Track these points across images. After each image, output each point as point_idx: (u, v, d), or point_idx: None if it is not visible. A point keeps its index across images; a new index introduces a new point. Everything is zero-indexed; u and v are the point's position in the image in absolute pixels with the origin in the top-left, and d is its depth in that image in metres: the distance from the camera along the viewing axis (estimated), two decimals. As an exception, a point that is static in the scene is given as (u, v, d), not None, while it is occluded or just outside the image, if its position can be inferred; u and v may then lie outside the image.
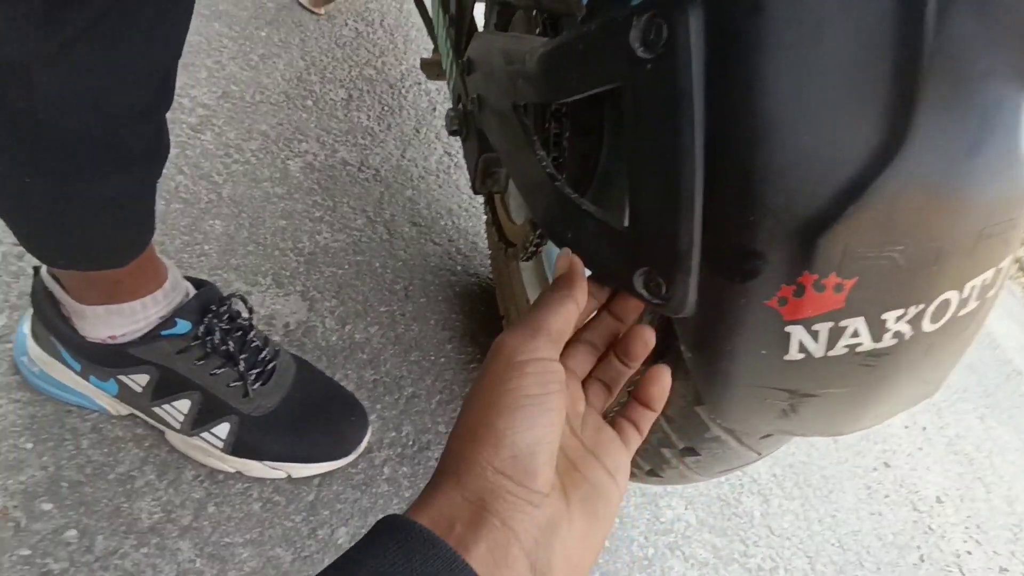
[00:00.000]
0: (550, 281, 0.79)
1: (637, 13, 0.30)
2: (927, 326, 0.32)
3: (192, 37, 1.07)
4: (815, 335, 0.32)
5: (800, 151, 0.27)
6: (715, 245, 0.30)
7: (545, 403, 0.28)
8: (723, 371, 0.34)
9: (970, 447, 1.35)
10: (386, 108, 1.21)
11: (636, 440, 0.35)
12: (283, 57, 1.17)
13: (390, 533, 0.25)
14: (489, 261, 0.98)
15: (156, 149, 0.43)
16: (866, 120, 0.27)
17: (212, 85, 1.01)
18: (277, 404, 0.57)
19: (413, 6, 1.12)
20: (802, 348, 0.32)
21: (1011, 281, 2.34)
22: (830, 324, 0.31)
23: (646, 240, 0.33)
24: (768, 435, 0.45)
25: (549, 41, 0.39)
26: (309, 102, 1.11)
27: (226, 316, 0.54)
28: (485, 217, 0.98)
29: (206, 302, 0.52)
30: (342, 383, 0.70)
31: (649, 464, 0.49)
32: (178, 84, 1.00)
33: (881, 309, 0.31)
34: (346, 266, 0.86)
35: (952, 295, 0.32)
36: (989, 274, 0.33)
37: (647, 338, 0.36)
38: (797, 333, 0.32)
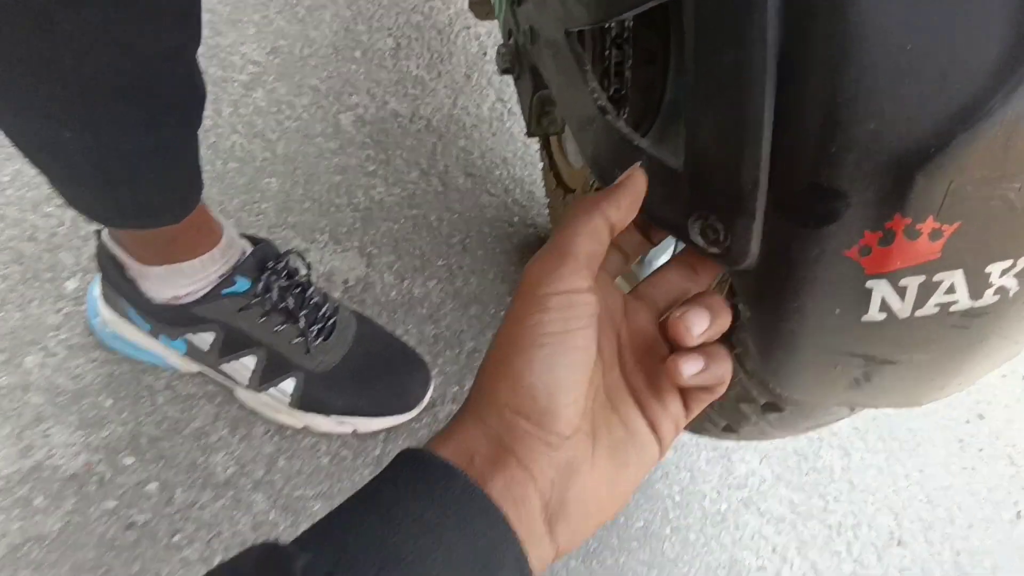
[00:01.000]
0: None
1: None
2: None
3: (239, -8, 1.06)
4: (902, 292, 0.27)
5: (898, 66, 0.22)
6: (785, 183, 0.26)
7: (567, 342, 0.26)
8: (787, 334, 0.30)
9: (1077, 397, 1.24)
10: (435, 55, 1.17)
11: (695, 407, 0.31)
12: (329, 8, 1.14)
13: (410, 464, 0.25)
14: (547, 210, 0.94)
15: (190, 94, 0.41)
16: (983, 25, 0.22)
17: (261, 41, 1.00)
18: (340, 360, 0.57)
19: (458, -57, 1.07)
20: (884, 307, 0.28)
21: None
22: (921, 278, 0.27)
23: (703, 178, 0.28)
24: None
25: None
26: (357, 53, 1.08)
27: (284, 273, 0.53)
28: (541, 164, 0.94)
29: (263, 259, 0.52)
30: (403, 339, 0.70)
31: (725, 420, 0.45)
32: (227, 41, 0.99)
33: (985, 260, 0.26)
34: (402, 220, 0.85)
35: None
36: None
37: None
38: (880, 289, 0.27)
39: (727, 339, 0.42)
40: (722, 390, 0.30)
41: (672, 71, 0.54)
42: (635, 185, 0.30)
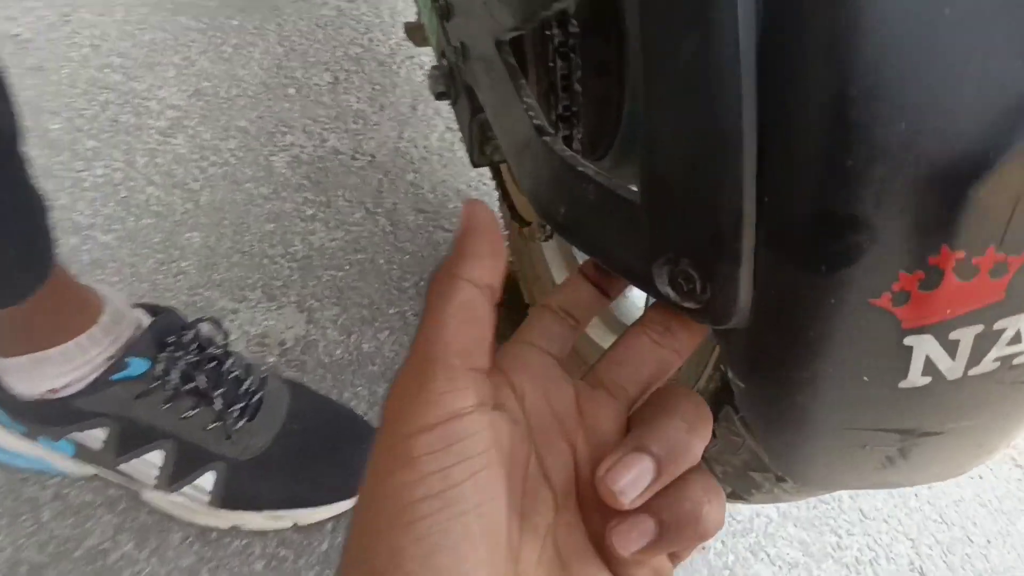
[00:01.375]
0: (576, 257, 0.67)
1: None
2: None
3: (155, 34, 0.98)
4: (952, 347, 0.20)
5: (935, 39, 0.16)
6: (782, 212, 0.18)
7: (452, 505, 0.17)
8: (796, 411, 0.23)
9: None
10: (377, 87, 1.10)
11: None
12: (259, 45, 1.07)
13: None
14: (507, 243, 0.88)
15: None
16: None
17: (182, 83, 0.92)
18: (270, 441, 0.48)
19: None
20: (929, 368, 0.21)
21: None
22: (978, 328, 0.20)
23: (667, 210, 0.21)
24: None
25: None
26: (291, 90, 1.01)
27: (194, 346, 0.44)
28: (497, 193, 0.88)
29: (164, 332, 0.43)
30: (352, 403, 0.61)
31: (732, 487, 0.38)
32: (142, 87, 0.91)
33: None
34: (346, 267, 0.77)
35: None
36: None
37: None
38: (923, 346, 0.20)
39: (728, 403, 0.35)
40: (709, 538, 0.21)
41: (628, 80, 0.47)
42: (483, 224, 0.22)
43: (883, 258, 0.19)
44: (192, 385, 0.44)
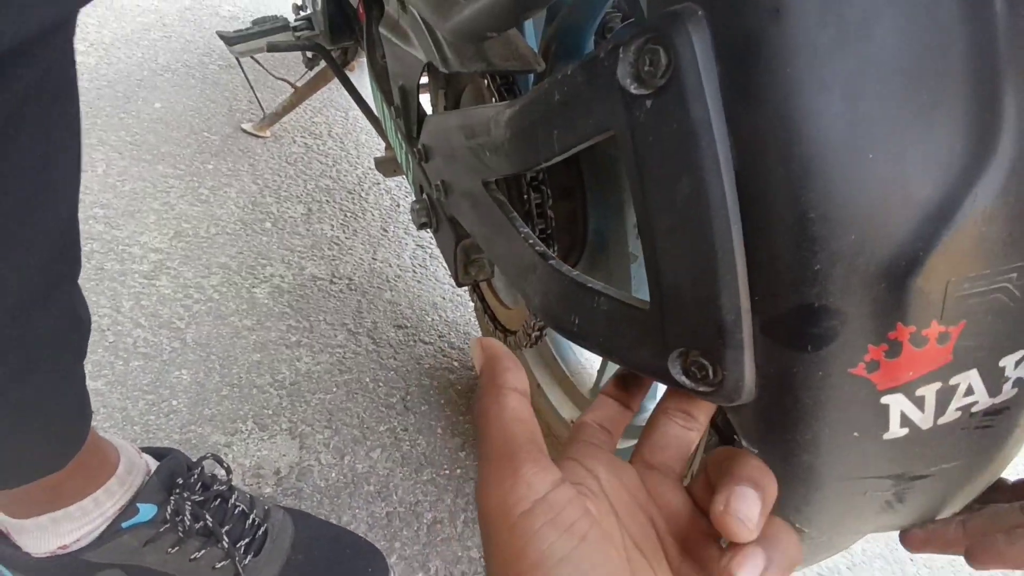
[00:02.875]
0: (558, 359, 0.71)
1: (624, 44, 0.25)
2: None
3: (135, 184, 1.03)
4: (920, 402, 0.25)
5: (865, 175, 0.22)
6: (772, 307, 0.24)
7: (590, 541, 0.21)
8: (804, 467, 0.27)
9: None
10: (348, 214, 1.17)
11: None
12: (234, 185, 1.13)
13: None
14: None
15: (74, 326, 0.35)
16: (944, 122, 0.22)
17: (162, 227, 0.96)
18: (277, 573, 0.48)
19: (359, 112, 1.11)
20: (905, 421, 0.25)
21: None
22: (937, 385, 0.25)
23: (678, 314, 0.26)
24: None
25: (516, 100, 0.34)
26: (268, 224, 1.06)
27: (199, 486, 0.45)
28: (473, 304, 0.92)
29: (171, 475, 0.44)
30: (351, 525, 0.61)
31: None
32: (124, 234, 0.95)
33: (998, 355, 0.25)
34: (334, 389, 0.78)
35: None
36: None
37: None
38: (897, 403, 0.25)
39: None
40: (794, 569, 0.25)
41: (591, 202, 0.54)
42: (499, 348, 0.26)
43: (854, 336, 0.23)
44: (199, 524, 0.44)
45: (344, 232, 1.12)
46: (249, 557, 0.47)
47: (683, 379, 0.27)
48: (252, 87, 1.23)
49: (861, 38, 0.21)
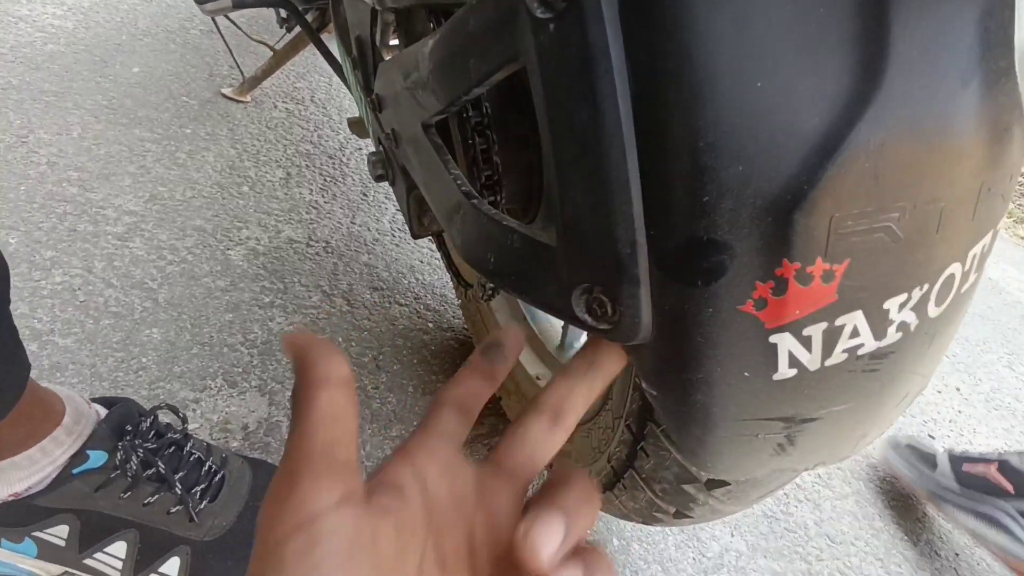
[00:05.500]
0: (526, 316, 0.71)
1: None
2: (932, 310, 0.26)
3: (111, 147, 1.03)
4: (807, 342, 0.25)
5: (753, 104, 0.21)
6: (664, 240, 0.23)
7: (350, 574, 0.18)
8: (698, 409, 0.27)
9: (1009, 399, 1.27)
10: (328, 179, 1.16)
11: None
12: (212, 149, 1.12)
13: None
14: (461, 311, 0.91)
15: None
16: (831, 53, 0.21)
17: (138, 190, 0.96)
18: (234, 520, 0.49)
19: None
20: (793, 361, 0.25)
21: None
22: (823, 325, 0.24)
23: (579, 249, 0.26)
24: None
25: (437, 30, 0.33)
26: (245, 188, 1.06)
27: (152, 433, 0.46)
28: (444, 262, 0.92)
29: (121, 421, 0.45)
30: (316, 479, 0.62)
31: (674, 505, 0.41)
32: (100, 195, 0.95)
33: (882, 297, 0.24)
34: (306, 348, 0.79)
35: (956, 268, 0.25)
36: (988, 238, 0.26)
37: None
38: (785, 342, 0.25)
39: (651, 420, 0.38)
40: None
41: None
42: (309, 338, 0.23)
43: (742, 272, 0.23)
44: (152, 471, 0.45)
45: (323, 196, 1.11)
46: (205, 502, 0.47)
47: (585, 316, 0.27)
48: (231, 50, 1.21)
49: None
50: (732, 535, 0.75)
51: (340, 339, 0.83)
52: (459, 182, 0.38)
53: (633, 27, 0.22)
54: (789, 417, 0.28)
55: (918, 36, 0.21)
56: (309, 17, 0.99)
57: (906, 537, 0.85)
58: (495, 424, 0.76)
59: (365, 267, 0.97)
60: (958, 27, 0.21)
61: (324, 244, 0.99)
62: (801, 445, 0.29)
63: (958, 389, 1.25)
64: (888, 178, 0.22)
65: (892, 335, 0.26)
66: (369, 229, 1.07)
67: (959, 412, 1.18)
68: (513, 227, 0.30)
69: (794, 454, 0.30)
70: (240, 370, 0.73)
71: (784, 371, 0.26)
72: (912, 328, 0.26)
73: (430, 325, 0.90)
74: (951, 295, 0.27)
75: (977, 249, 0.26)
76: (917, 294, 0.25)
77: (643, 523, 0.47)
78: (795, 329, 0.25)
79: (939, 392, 1.21)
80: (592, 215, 0.25)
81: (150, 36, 1.42)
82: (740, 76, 0.21)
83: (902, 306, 0.25)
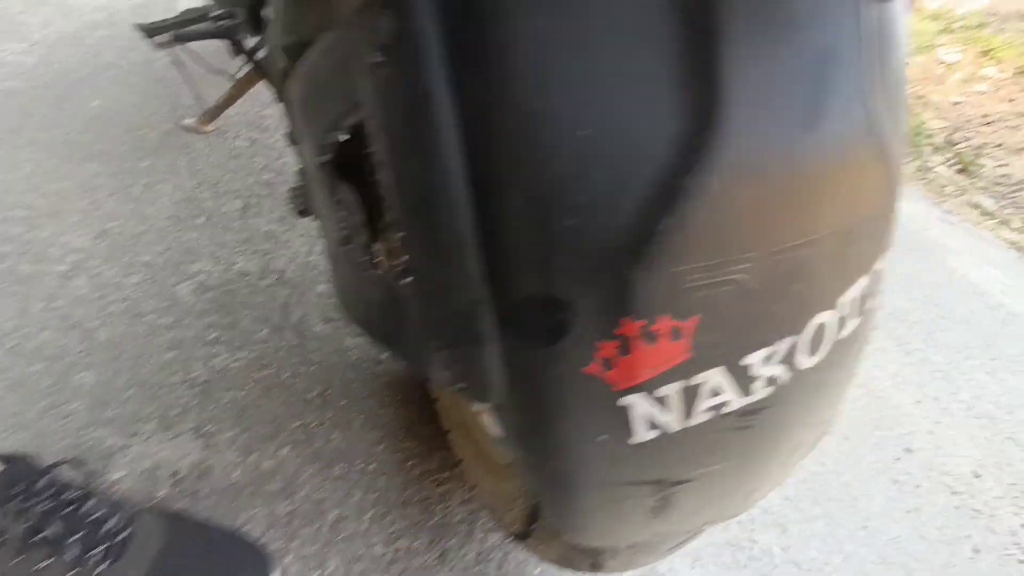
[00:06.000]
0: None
1: (363, 7, 0.23)
2: (805, 362, 0.24)
3: (63, 183, 1.01)
4: (663, 403, 0.23)
5: (581, 153, 0.20)
6: (506, 300, 0.22)
7: None
8: (559, 473, 0.25)
9: (990, 406, 1.25)
10: (289, 208, 1.15)
11: None
12: (170, 181, 1.11)
13: None
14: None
15: None
16: (661, 99, 0.19)
17: (86, 227, 0.94)
18: (142, 580, 0.46)
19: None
20: (652, 424, 0.23)
21: (976, 227, 2.28)
22: (679, 384, 0.23)
23: (428, 305, 0.24)
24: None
25: (301, 62, 0.32)
26: (200, 220, 1.04)
27: (47, 493, 0.44)
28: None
29: (12, 482, 0.43)
30: (247, 526, 0.59)
31: (587, 557, 0.38)
32: (44, 234, 0.93)
33: (742, 352, 0.23)
34: (249, 385, 0.77)
35: (826, 316, 0.24)
36: (864, 281, 0.25)
37: None
38: (638, 405, 0.23)
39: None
40: None
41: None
42: None
43: (585, 331, 0.22)
44: (46, 534, 0.42)
45: (281, 226, 1.10)
46: (107, 563, 0.45)
47: (444, 374, 0.25)
48: (192, 81, 1.20)
49: (571, 9, 0.19)
50: (692, 567, 0.73)
51: (286, 375, 0.81)
52: (342, 224, 0.36)
53: (463, 75, 0.20)
54: (658, 480, 0.26)
55: (753, 78, 0.19)
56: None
57: (879, 560, 0.82)
58: (444, 459, 0.74)
59: (319, 297, 0.96)
60: (797, 68, 0.20)
61: (278, 276, 0.97)
62: (679, 508, 0.27)
63: (936, 399, 1.22)
64: (731, 228, 0.20)
65: (761, 390, 0.24)
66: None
67: (937, 423, 1.15)
68: (377, 278, 0.29)
69: (673, 517, 0.28)
70: (177, 412, 0.70)
71: (642, 434, 0.24)
72: (784, 382, 0.24)
73: (383, 356, 0.88)
74: (827, 344, 0.25)
75: (851, 294, 0.25)
76: (783, 347, 0.23)
77: (562, 566, 0.44)
78: (647, 390, 0.23)
79: (918, 403, 1.19)
80: (433, 271, 0.23)
81: (114, 69, 1.42)
82: (567, 126, 0.20)
83: (767, 360, 0.24)
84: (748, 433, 0.24)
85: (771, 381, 0.23)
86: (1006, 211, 2.53)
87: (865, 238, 0.23)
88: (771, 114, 0.19)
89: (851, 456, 0.98)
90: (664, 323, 0.21)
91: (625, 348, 0.21)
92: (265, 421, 0.73)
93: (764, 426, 0.24)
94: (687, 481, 0.26)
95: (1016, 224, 2.43)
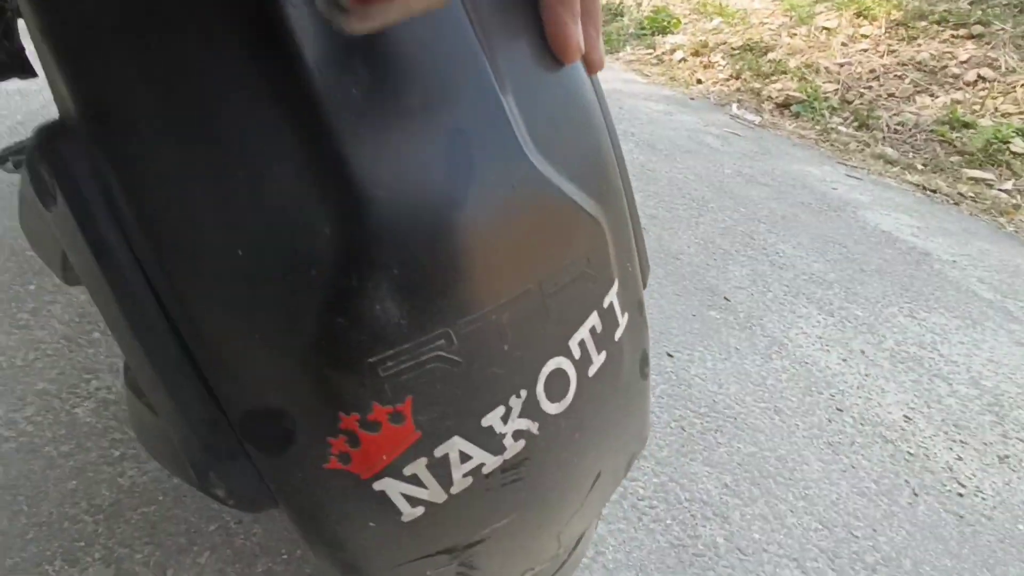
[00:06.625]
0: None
1: (27, 157, 0.23)
2: (552, 408, 0.25)
3: (-59, 330, 0.97)
4: (416, 480, 0.24)
5: (247, 271, 0.20)
6: (235, 416, 0.22)
7: None
8: (348, 566, 0.25)
9: (913, 348, 1.30)
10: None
11: None
12: (60, 300, 1.08)
13: None
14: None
15: None
16: (303, 203, 0.20)
17: (-28, 370, 0.90)
18: None
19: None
20: (414, 500, 0.24)
21: (880, 176, 2.41)
22: (423, 460, 0.23)
23: (174, 427, 0.24)
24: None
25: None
26: (96, 334, 1.01)
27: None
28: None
29: None
30: (166, 650, 0.57)
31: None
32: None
33: (474, 417, 0.23)
34: (160, 498, 0.74)
35: (560, 362, 0.24)
36: (594, 319, 0.25)
37: None
38: (392, 487, 0.23)
39: None
40: None
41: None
42: None
43: (312, 432, 0.22)
44: None
45: (186, 320, 1.07)
46: None
47: (217, 491, 0.25)
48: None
49: (201, 145, 0.20)
50: (639, 574, 0.73)
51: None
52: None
53: (129, 215, 0.21)
54: (449, 548, 0.26)
55: (389, 169, 0.20)
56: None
57: (820, 526, 0.84)
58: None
59: (230, 387, 0.93)
60: (434, 148, 0.21)
61: (184, 374, 0.95)
62: (485, 566, 0.27)
63: (863, 352, 1.27)
64: (413, 310, 0.21)
65: (514, 445, 0.24)
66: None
67: (866, 376, 1.19)
68: (137, 397, 0.28)
69: (486, 571, 0.28)
70: (82, 543, 0.67)
71: (410, 511, 0.24)
72: (536, 432, 0.25)
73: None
74: (572, 386, 0.25)
75: (581, 335, 0.25)
76: (517, 402, 0.24)
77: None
78: (394, 472, 0.23)
79: (844, 360, 1.23)
80: (165, 398, 0.23)
81: (-8, 194, 1.38)
82: (226, 252, 0.20)
83: (505, 418, 0.24)
84: (521, 485, 0.25)
85: (520, 435, 0.24)
86: (908, 156, 2.67)
87: (577, 281, 0.24)
88: (418, 196, 0.20)
89: (784, 428, 1.01)
90: (379, 412, 0.22)
91: (354, 440, 0.22)
92: (179, 533, 0.70)
93: (535, 475, 0.25)
94: (480, 542, 0.26)
95: (919, 166, 2.57)
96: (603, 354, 0.26)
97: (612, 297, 0.26)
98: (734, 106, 2.93)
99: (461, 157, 0.20)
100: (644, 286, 0.33)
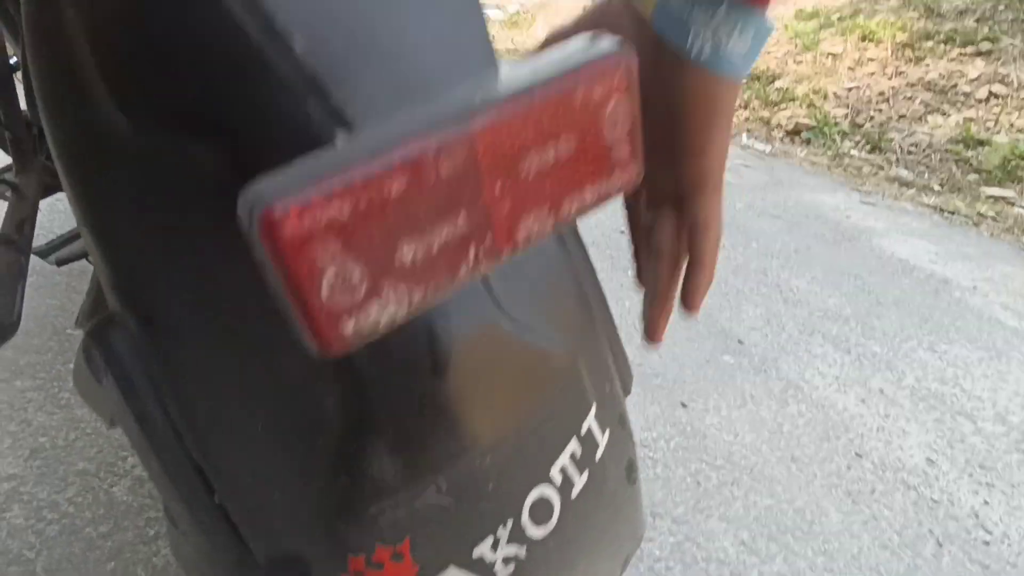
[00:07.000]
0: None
1: (85, 345, 0.27)
2: (537, 532, 0.28)
3: (-9, 410, 1.04)
4: None
5: (262, 449, 0.24)
6: (260, 557, 0.26)
7: None
8: None
9: (935, 384, 1.28)
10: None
11: None
12: (98, 377, 1.14)
13: None
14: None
15: None
16: (305, 390, 0.24)
17: (18, 449, 0.96)
18: None
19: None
20: None
21: (896, 200, 2.38)
22: None
23: (206, 564, 0.28)
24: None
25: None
26: (131, 410, 1.06)
27: None
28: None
29: None
30: None
31: None
32: (-25, 471, 0.95)
33: (465, 549, 0.26)
34: None
35: (543, 489, 0.27)
36: (573, 445, 0.28)
37: None
38: None
39: None
40: None
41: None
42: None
43: (326, 573, 0.25)
44: None
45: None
46: None
47: None
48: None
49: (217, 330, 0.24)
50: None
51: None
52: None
53: (167, 392, 0.25)
54: None
55: (378, 341, 0.23)
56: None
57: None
58: None
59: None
60: (415, 322, 0.24)
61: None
62: None
63: (881, 391, 1.26)
64: (404, 467, 0.24)
65: (504, 569, 0.27)
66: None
67: (886, 417, 1.18)
68: (174, 526, 0.32)
69: None
70: (120, 626, 0.71)
71: None
72: (525, 555, 0.28)
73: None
74: (557, 509, 0.28)
75: (562, 462, 0.28)
76: (504, 532, 0.27)
77: None
78: None
79: (862, 401, 1.22)
80: (202, 538, 0.27)
81: (34, 274, 1.46)
82: (247, 433, 0.24)
83: (495, 547, 0.27)
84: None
85: (510, 560, 0.27)
86: (924, 177, 2.64)
87: (555, 416, 0.27)
88: (404, 372, 0.23)
89: (801, 478, 1.01)
90: (381, 552, 0.25)
91: (363, 581, 0.25)
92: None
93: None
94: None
95: (935, 186, 2.54)
96: (585, 474, 0.28)
97: (590, 422, 0.28)
98: (744, 136, 2.94)
99: (440, 326, 0.24)
100: (627, 393, 0.35)
